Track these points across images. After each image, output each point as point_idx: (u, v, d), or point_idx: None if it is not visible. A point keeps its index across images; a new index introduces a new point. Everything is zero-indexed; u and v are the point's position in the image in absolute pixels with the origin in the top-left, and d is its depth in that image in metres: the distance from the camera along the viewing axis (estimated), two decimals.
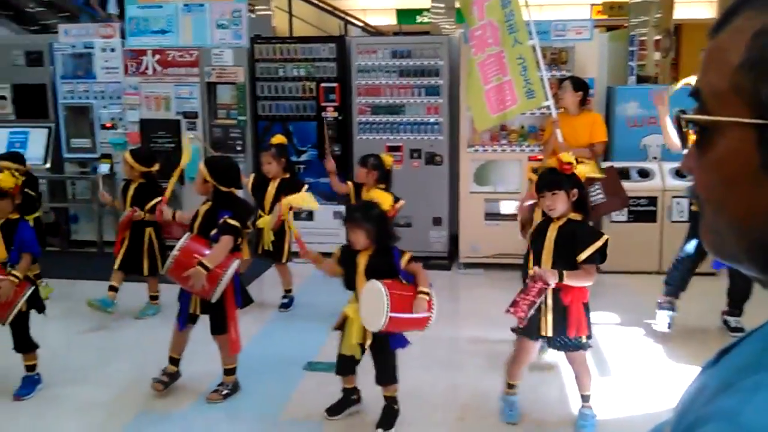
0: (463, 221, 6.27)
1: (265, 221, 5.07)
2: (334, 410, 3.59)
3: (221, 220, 3.59)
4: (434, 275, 6.21)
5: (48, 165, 6.93)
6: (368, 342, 3.34)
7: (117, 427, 3.56)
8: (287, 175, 5.13)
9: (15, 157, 5.43)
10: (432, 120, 6.37)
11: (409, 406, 3.67)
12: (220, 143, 6.70)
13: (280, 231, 5.10)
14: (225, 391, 3.81)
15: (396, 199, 4.67)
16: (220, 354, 3.81)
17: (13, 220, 3.80)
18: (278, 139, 5.21)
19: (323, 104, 6.51)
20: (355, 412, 3.63)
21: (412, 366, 4.16)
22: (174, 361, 3.89)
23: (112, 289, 5.04)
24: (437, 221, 6.45)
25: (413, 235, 6.42)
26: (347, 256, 3.38)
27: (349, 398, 3.63)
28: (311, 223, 6.62)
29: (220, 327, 3.71)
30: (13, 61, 7.03)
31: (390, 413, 3.48)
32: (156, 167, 5.00)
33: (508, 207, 6.19)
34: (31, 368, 3.90)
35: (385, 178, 4.74)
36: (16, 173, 3.82)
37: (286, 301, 5.29)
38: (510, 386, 3.56)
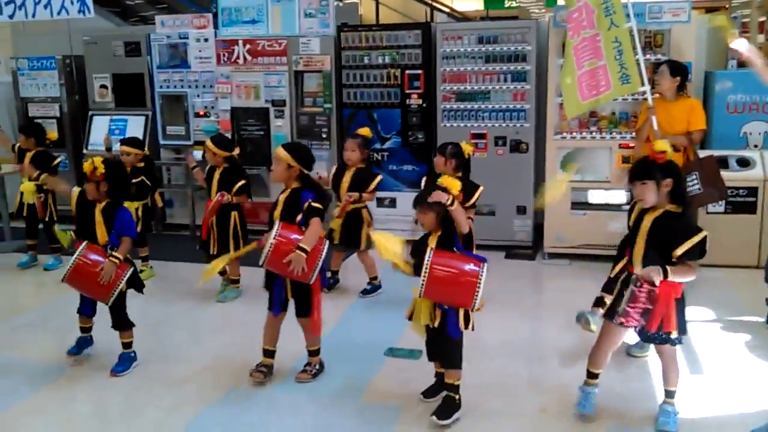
0: (549, 210, 6.13)
1: (336, 211, 5.18)
2: (429, 393, 3.61)
3: (306, 204, 3.63)
4: (518, 265, 6.16)
5: (145, 151, 7.26)
6: (437, 322, 3.33)
7: (205, 403, 3.71)
8: (363, 166, 5.20)
9: (135, 142, 5.72)
10: (518, 107, 6.26)
11: (491, 395, 3.65)
12: (307, 131, 6.83)
13: (355, 219, 5.18)
14: (313, 371, 3.90)
15: (475, 187, 4.67)
16: (304, 336, 3.90)
17: (113, 204, 3.96)
18: (365, 131, 5.28)
19: (407, 91, 6.51)
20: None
21: (493, 356, 4.13)
22: (269, 353, 3.92)
23: (222, 273, 5.26)
24: (521, 210, 6.35)
25: (497, 223, 6.36)
26: (420, 243, 3.40)
27: (443, 381, 3.63)
28: (393, 210, 6.67)
29: (306, 310, 3.77)
30: (113, 51, 7.40)
31: (449, 404, 3.44)
32: (237, 151, 5.16)
33: (595, 196, 6.03)
34: (127, 345, 4.10)
35: (463, 167, 4.69)
36: (97, 161, 3.89)
37: (368, 287, 5.34)
38: (591, 375, 3.44)
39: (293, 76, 6.78)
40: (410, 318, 3.48)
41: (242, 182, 4.99)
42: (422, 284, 3.18)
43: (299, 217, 3.66)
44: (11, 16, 7.49)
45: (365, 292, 5.33)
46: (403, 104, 6.55)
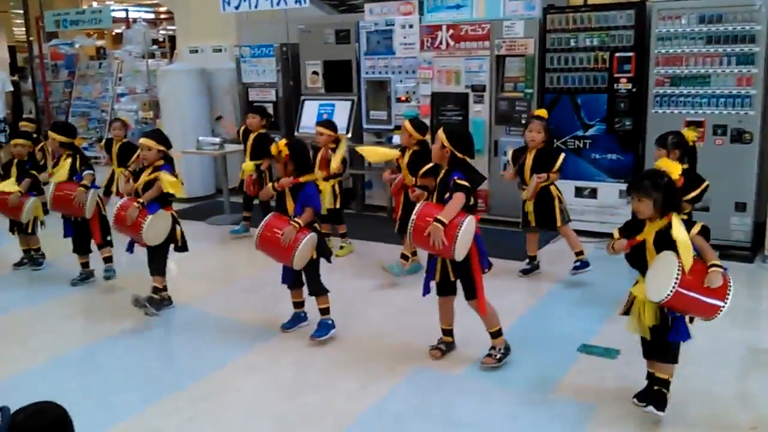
0: None
1: (525, 194, 5.15)
2: (642, 396, 3.39)
3: (451, 181, 3.68)
4: (733, 267, 5.56)
5: (349, 135, 7.62)
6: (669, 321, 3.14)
7: (395, 379, 3.83)
8: (543, 146, 5.12)
9: (328, 124, 6.09)
10: (742, 92, 5.66)
11: (696, 404, 3.40)
12: (505, 116, 6.74)
13: (546, 197, 5.14)
14: (498, 355, 3.88)
15: (699, 180, 4.31)
16: (481, 319, 3.88)
17: (303, 182, 4.23)
18: (542, 112, 5.26)
19: (616, 75, 6.16)
20: None
21: (702, 363, 3.82)
22: (446, 332, 4.09)
23: (404, 257, 5.42)
24: (741, 207, 5.75)
25: (711, 220, 5.70)
26: (633, 227, 3.20)
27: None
28: (593, 201, 6.38)
29: (470, 292, 3.79)
30: (324, 39, 7.82)
31: (662, 396, 3.24)
32: (429, 136, 5.26)
33: None
34: (324, 312, 4.36)
35: (689, 157, 4.35)
36: (281, 144, 4.19)
37: (577, 264, 5.24)
38: None
39: (494, 61, 6.71)
40: (626, 313, 3.31)
41: (430, 165, 5.09)
42: (668, 296, 2.95)
43: (446, 195, 3.71)
44: (237, 7, 8.24)
45: (576, 269, 5.24)
46: (611, 89, 6.20)
